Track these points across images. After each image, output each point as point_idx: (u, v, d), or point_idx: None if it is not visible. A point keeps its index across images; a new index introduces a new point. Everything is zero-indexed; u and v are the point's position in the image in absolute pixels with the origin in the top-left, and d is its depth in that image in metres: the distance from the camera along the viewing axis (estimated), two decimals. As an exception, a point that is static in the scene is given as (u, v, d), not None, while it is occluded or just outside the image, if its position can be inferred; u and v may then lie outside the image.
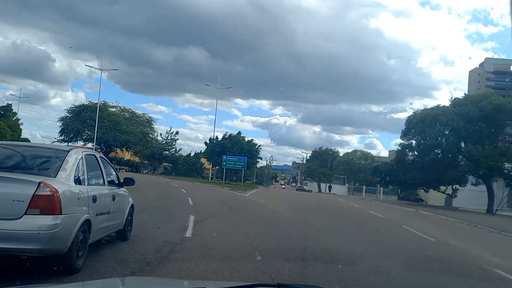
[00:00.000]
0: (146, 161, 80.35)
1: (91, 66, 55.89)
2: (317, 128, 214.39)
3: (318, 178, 76.97)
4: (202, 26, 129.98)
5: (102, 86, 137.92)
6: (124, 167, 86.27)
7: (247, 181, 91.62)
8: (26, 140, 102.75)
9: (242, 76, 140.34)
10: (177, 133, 72.22)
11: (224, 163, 44.29)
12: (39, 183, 4.38)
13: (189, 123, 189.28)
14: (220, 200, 20.52)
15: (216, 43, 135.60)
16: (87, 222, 5.08)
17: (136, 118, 79.53)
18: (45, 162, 5.15)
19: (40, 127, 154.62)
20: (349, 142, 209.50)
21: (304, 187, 75.35)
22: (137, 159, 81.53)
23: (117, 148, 79.61)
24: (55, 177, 4.73)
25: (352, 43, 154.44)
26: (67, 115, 74.03)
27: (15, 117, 55.96)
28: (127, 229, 7.26)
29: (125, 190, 7.31)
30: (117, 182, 6.94)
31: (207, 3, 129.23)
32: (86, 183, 5.35)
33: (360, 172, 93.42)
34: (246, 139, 50.62)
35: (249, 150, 47.82)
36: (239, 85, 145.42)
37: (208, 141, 51.57)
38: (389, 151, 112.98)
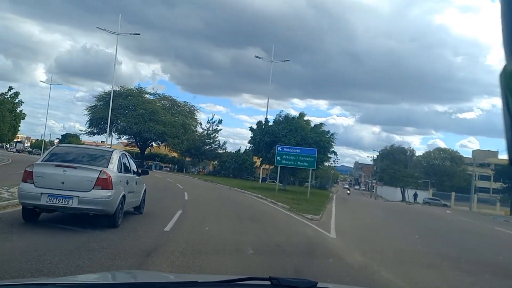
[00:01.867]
0: (188, 158, 65.35)
1: (105, 29, 39.45)
2: (376, 129, 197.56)
3: (403, 182, 57.38)
4: (260, 27, 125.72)
5: (164, 86, 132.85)
6: (168, 165, 72.20)
7: (305, 184, 74.11)
8: (75, 135, 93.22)
9: (299, 75, 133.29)
10: (220, 121, 55.59)
11: (279, 158, 25.42)
12: (100, 170, 7.38)
13: (246, 123, 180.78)
14: None
15: (273, 43, 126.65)
16: (124, 196, 8.01)
17: (176, 107, 64.92)
18: (100, 158, 8.00)
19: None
20: (410, 143, 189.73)
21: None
22: (183, 157, 66.35)
23: (153, 142, 65.44)
24: (107, 167, 7.62)
25: (416, 41, 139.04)
26: (96, 103, 60.85)
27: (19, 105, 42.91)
28: (142, 205, 10.00)
29: (141, 178, 9.98)
30: (137, 172, 9.75)
31: (266, 4, 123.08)
32: (122, 171, 8.30)
33: (445, 175, 72.99)
34: (312, 124, 31.62)
35: (317, 141, 29.02)
36: (296, 85, 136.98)
37: (255, 126, 32.05)
38: (473, 151, 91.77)
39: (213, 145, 55.08)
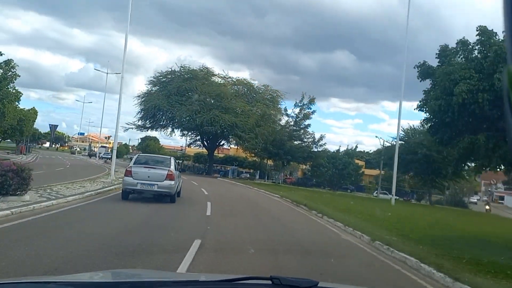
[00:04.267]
0: (270, 161, 45.93)
1: None
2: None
3: None
4: (350, 29, 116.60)
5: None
6: (249, 170, 54.03)
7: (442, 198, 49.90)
8: (154, 138, 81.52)
9: (391, 77, 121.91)
10: (311, 102, 34.06)
11: None
12: (168, 169, 12.33)
13: (333, 128, 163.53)
14: None
15: (363, 45, 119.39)
16: (178, 184, 12.99)
17: (254, 94, 46.10)
18: (165, 162, 13.15)
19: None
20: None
21: None
22: (262, 158, 46.66)
23: (224, 141, 47.28)
24: (170, 168, 12.44)
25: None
26: (151, 88, 44.57)
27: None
28: (180, 191, 14.21)
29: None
30: (179, 169, 15.43)
31: (355, 6, 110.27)
32: (176, 170, 13.14)
33: None
34: None
35: None
36: (387, 86, 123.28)
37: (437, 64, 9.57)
38: None
39: (305, 140, 33.92)
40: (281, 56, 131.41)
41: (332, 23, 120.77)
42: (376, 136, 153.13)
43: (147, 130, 44.13)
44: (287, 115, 32.55)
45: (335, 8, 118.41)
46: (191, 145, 50.59)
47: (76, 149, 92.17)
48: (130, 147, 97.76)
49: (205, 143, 46.54)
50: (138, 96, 42.97)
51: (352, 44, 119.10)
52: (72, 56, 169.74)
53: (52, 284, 1.52)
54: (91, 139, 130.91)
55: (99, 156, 56.58)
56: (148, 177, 12.02)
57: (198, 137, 46.91)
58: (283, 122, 36.92)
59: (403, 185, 60.10)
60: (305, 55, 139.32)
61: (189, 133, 46.77)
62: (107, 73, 52.84)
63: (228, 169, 52.86)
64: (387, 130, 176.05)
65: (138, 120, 42.79)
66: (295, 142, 33.39)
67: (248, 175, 50.98)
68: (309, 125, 33.13)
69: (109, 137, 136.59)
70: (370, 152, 77.16)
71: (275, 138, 31.84)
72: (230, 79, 45.91)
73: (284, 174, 53.43)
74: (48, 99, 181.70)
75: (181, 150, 74.65)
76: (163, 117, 42.67)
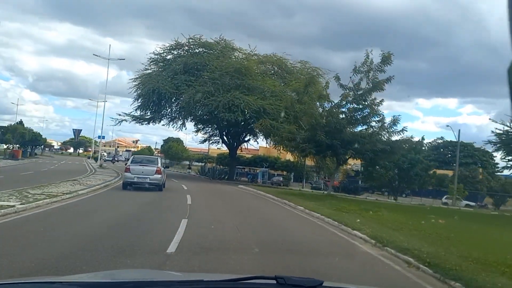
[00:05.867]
0: (310, 160, 33.42)
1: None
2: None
3: None
4: (381, 26, 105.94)
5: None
6: (282, 173, 42.35)
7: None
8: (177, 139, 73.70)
9: (425, 74, 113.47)
10: (386, 61, 19.96)
11: None
12: (157, 166, 16.56)
13: None
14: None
15: (396, 42, 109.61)
16: (164, 178, 17.35)
17: (288, 74, 33.81)
18: (154, 160, 17.65)
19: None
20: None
21: None
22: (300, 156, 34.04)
23: (248, 135, 35.18)
24: (158, 165, 16.68)
25: None
26: (152, 68, 33.19)
27: None
28: (164, 183, 17.43)
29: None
30: (165, 166, 20.41)
31: (386, 2, 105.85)
32: (162, 166, 17.70)
33: None
34: None
35: None
36: (422, 83, 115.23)
37: None
38: None
39: (373, 125, 20.31)
40: (310, 56, 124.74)
41: (361, 20, 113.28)
42: (447, 125, 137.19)
43: (148, 123, 32.77)
44: (342, 85, 19.47)
45: (364, 4, 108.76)
46: (206, 142, 38.90)
47: (96, 154, 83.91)
48: (157, 150, 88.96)
49: (225, 139, 34.74)
50: (134, 79, 31.73)
51: (383, 41, 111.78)
52: (105, 64, 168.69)
53: (57, 284, 1.51)
54: (118, 143, 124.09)
55: (103, 159, 47.44)
56: (142, 172, 15.71)
57: (217, 131, 35.22)
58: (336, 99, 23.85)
59: (478, 186, 46.14)
60: (335, 54, 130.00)
61: (204, 126, 35.14)
62: (108, 59, 42.22)
63: (257, 171, 41.67)
64: (421, 128, 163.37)
65: (136, 110, 31.62)
66: (358, 128, 20.34)
67: (281, 179, 39.39)
68: (380, 101, 19.92)
69: (137, 141, 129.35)
70: (424, 148, 63.65)
71: (329, 122, 19.00)
72: (256, 57, 33.82)
73: (323, 176, 41.04)
74: (84, 107, 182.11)
75: (207, 151, 65.29)
76: (167, 105, 31.23)
